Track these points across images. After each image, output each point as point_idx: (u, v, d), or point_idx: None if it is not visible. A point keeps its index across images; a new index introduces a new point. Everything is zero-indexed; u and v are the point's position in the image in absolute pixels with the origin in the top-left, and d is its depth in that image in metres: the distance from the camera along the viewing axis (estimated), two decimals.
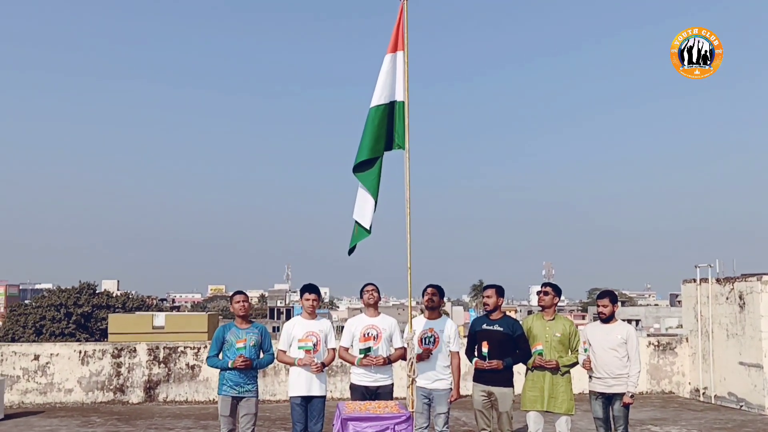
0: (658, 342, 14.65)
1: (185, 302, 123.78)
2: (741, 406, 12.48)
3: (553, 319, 7.32)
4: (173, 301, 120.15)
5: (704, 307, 13.78)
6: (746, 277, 12.82)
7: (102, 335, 44.83)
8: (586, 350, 7.30)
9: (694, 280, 14.17)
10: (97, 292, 52.33)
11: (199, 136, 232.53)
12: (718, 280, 13.54)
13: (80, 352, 13.03)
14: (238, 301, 7.16)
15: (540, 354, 7.13)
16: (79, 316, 47.80)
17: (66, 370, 12.89)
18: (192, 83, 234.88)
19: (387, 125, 6.85)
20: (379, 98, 6.84)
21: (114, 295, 56.19)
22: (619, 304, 7.82)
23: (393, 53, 6.85)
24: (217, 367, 7.12)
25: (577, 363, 7.27)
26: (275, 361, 7.26)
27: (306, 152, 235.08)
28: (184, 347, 13.27)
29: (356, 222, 6.94)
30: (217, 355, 7.13)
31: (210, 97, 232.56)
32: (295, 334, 7.09)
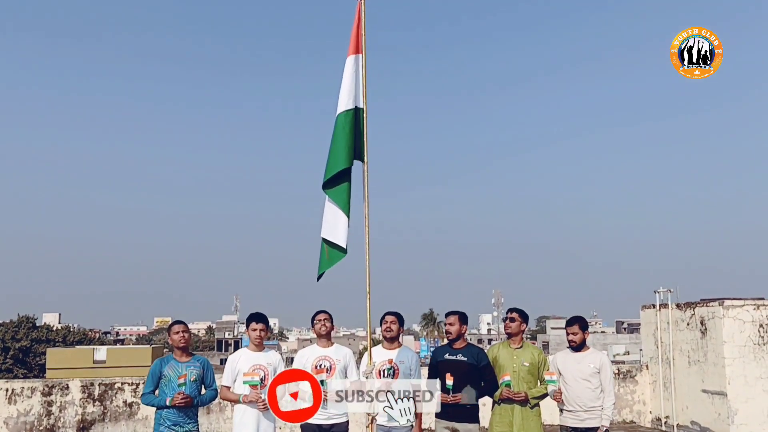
0: (618, 370, 14.26)
1: (130, 335, 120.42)
2: None
3: (521, 347, 6.82)
4: (117, 334, 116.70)
5: (664, 333, 13.48)
6: (707, 302, 12.54)
7: (41, 371, 43.07)
8: (554, 381, 6.75)
9: (653, 306, 13.88)
10: (36, 325, 50.53)
11: (144, 166, 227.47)
12: (678, 306, 13.26)
13: (7, 390, 12.02)
14: (177, 332, 6.48)
15: (507, 385, 6.60)
16: (17, 350, 45.98)
17: None
18: (145, 101, 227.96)
19: (354, 133, 6.29)
20: (346, 103, 6.30)
21: (55, 328, 54.11)
22: (589, 331, 7.30)
23: (355, 55, 6.32)
24: (153, 405, 6.40)
25: (546, 395, 6.74)
26: (218, 397, 6.60)
27: (254, 182, 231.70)
28: (122, 383, 12.38)
29: (326, 242, 6.34)
30: (154, 391, 6.42)
31: (157, 124, 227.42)
32: (240, 367, 6.45)
